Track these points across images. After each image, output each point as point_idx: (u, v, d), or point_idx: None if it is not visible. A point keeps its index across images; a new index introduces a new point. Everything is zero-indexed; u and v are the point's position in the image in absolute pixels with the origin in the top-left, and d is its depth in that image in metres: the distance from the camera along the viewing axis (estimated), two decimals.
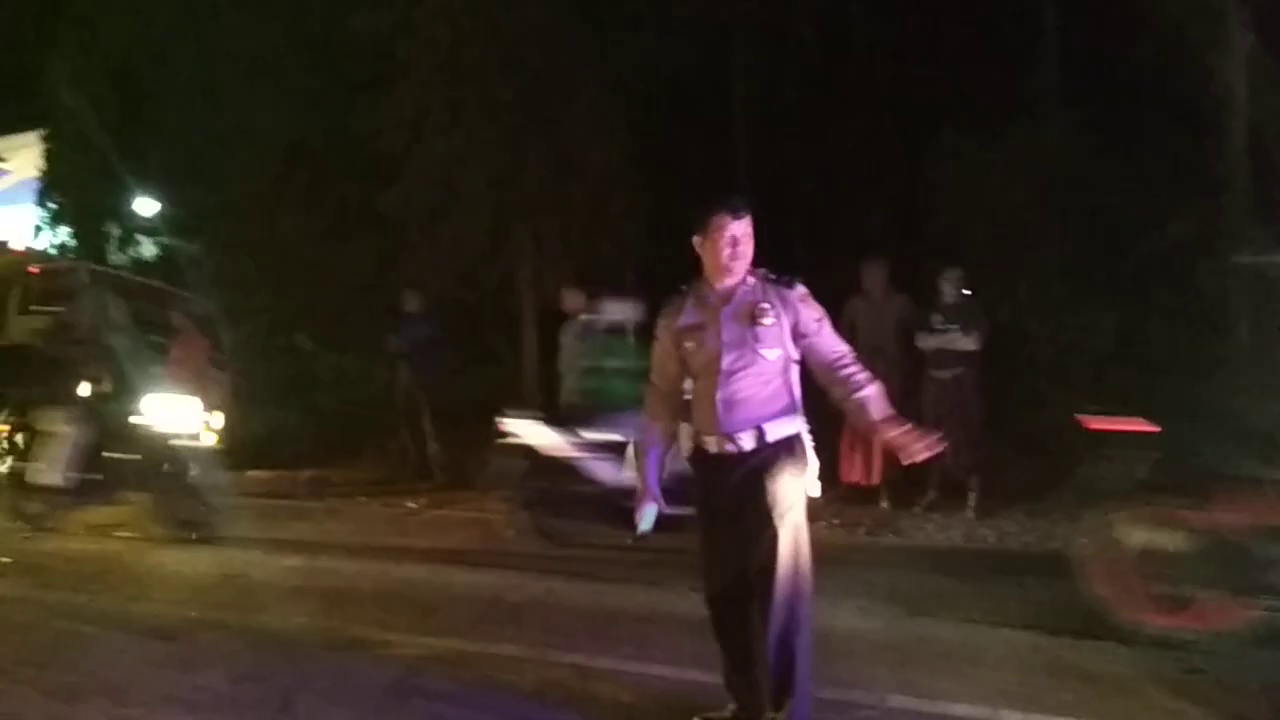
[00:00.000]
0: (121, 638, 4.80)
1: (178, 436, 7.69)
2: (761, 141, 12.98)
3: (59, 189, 16.25)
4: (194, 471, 7.60)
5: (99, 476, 7.71)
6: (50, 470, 7.69)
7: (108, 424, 7.76)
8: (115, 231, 15.96)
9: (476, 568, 6.49)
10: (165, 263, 14.71)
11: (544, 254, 11.54)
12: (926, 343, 7.95)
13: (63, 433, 7.72)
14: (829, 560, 6.44)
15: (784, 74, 12.78)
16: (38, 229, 16.26)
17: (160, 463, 7.60)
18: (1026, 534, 7.42)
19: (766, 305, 3.47)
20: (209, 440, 8.09)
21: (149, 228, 15.75)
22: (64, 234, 16.09)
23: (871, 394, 3.49)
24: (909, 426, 3.47)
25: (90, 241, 15.70)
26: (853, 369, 3.52)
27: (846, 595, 5.36)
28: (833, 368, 3.52)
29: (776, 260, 3.69)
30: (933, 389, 7.91)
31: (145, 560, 6.77)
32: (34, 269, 12.02)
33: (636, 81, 11.61)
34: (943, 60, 11.46)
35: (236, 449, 11.41)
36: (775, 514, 3.42)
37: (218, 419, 11.08)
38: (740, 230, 3.49)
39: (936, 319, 7.93)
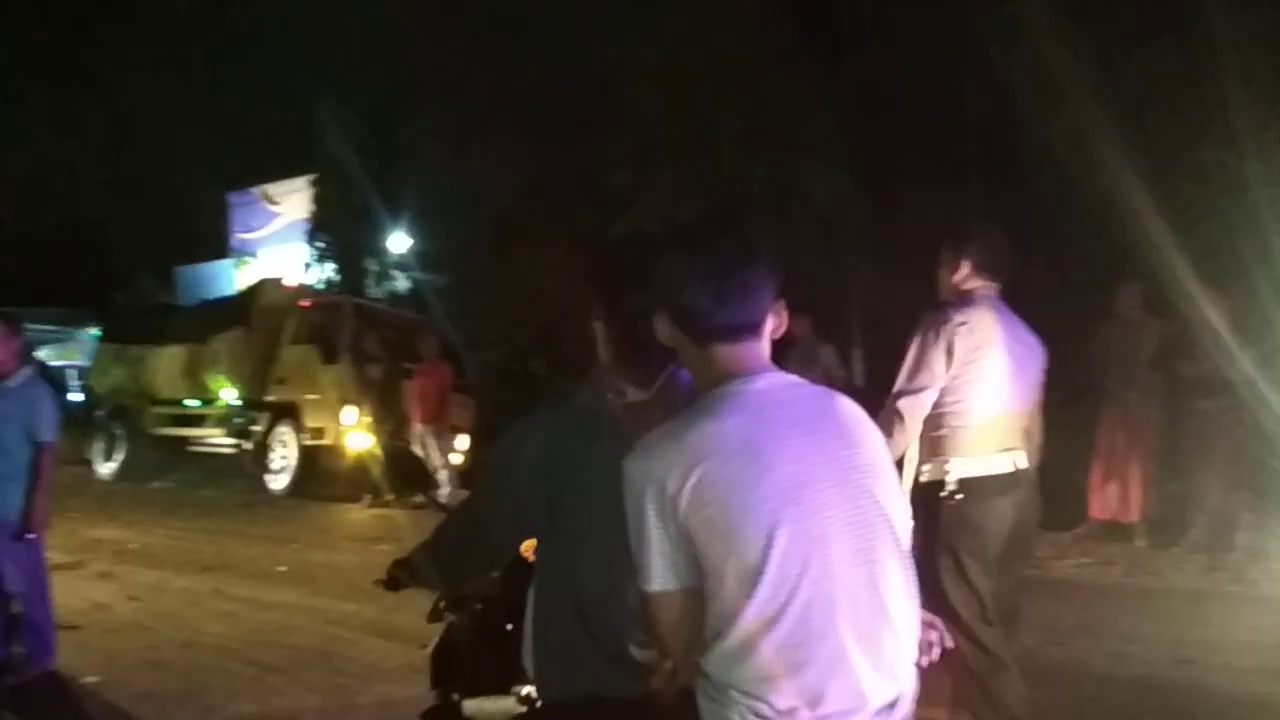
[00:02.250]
0: (383, 644, 5.16)
1: None
2: (995, 164, 12.48)
3: (324, 229, 17.80)
4: None
5: None
6: None
7: None
8: (373, 267, 17.32)
9: None
10: (415, 295, 15.79)
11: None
12: (1190, 370, 7.33)
13: None
14: (1077, 602, 6.12)
15: (1018, 92, 12.26)
16: (306, 266, 17.83)
17: None
18: None
19: None
20: None
21: (401, 263, 17.00)
22: (329, 270, 17.57)
23: None
24: None
25: (351, 277, 17.08)
26: None
27: (1099, 638, 5.05)
28: None
29: (1017, 288, 3.59)
30: (1196, 421, 7.31)
31: None
32: (304, 303, 13.11)
33: (863, 107, 11.48)
34: (1196, 66, 10.63)
35: (479, 471, 12.05)
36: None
37: (463, 441, 11.81)
38: None
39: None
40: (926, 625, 1.78)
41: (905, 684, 1.64)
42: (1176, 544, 7.47)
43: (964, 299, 3.49)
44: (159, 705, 4.56)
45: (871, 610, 1.58)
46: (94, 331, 17.91)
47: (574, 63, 12.81)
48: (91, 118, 21.13)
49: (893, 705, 1.61)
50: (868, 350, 13.30)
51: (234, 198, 21.82)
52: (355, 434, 11.33)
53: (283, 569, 7.47)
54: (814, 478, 1.58)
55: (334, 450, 11.67)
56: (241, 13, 18.31)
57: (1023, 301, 3.64)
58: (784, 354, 9.03)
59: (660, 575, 1.58)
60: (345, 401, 11.47)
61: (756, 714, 1.54)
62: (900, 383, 3.39)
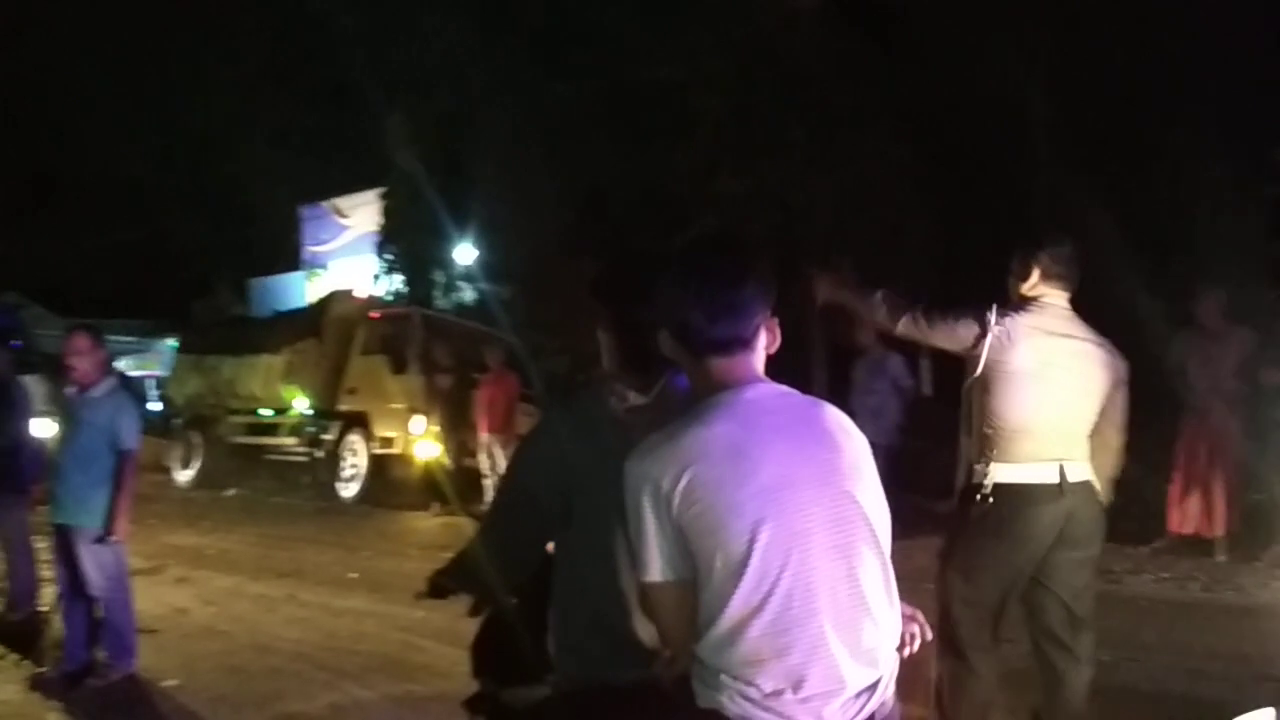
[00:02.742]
0: (452, 650, 5.20)
1: None
2: (1061, 170, 12.25)
3: (393, 241, 18.10)
4: None
5: None
6: None
7: None
8: (440, 279, 17.54)
9: None
10: (481, 306, 15.96)
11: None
12: (1274, 380, 7.07)
13: None
14: (1155, 618, 5.96)
15: (1085, 98, 12.03)
16: (375, 277, 18.13)
17: None
18: None
19: None
20: None
21: (468, 274, 17.20)
22: (398, 282, 17.85)
23: None
24: None
25: (419, 288, 17.33)
26: None
27: (1179, 656, 4.91)
28: None
29: (1082, 297, 3.54)
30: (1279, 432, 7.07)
31: None
32: (374, 314, 13.33)
33: (930, 115, 11.35)
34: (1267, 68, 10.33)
35: None
36: None
37: None
38: None
39: None
40: (908, 618, 1.86)
41: (885, 670, 1.74)
42: (1258, 559, 7.24)
43: (1030, 306, 3.45)
44: (235, 708, 4.67)
45: (850, 600, 1.70)
46: (172, 342, 18.42)
47: (640, 74, 12.87)
48: (169, 133, 21.78)
49: (872, 689, 1.72)
50: (935, 360, 13.13)
51: (305, 211, 22.28)
52: (424, 443, 11.48)
53: (354, 575, 7.59)
54: (797, 479, 1.71)
55: (403, 459, 11.85)
56: (312, 28, 18.73)
57: (1097, 310, 3.58)
58: (851, 364, 8.97)
59: (658, 568, 1.72)
60: (414, 411, 11.63)
61: (745, 696, 1.67)
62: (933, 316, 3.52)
